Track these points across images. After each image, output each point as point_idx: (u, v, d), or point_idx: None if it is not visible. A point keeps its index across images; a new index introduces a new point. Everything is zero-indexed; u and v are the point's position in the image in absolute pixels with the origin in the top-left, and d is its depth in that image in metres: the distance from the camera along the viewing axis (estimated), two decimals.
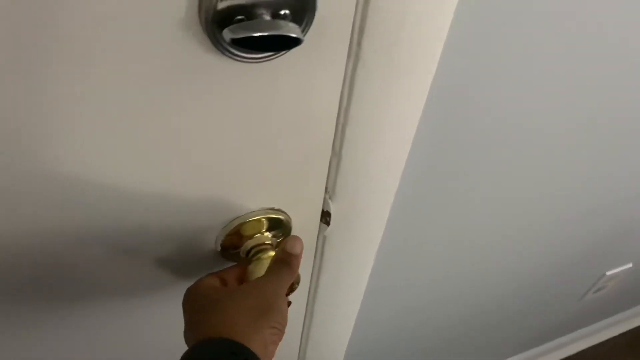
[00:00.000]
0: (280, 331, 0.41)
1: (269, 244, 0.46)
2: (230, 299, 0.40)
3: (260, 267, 0.44)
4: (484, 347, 1.35)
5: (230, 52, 0.31)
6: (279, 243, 0.48)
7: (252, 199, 0.44)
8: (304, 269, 0.57)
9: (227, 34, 0.28)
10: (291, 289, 0.45)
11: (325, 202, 0.49)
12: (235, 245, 0.47)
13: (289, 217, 0.47)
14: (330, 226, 0.51)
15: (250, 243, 0.46)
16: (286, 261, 0.44)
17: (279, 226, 0.47)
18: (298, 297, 0.62)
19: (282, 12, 0.30)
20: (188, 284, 0.44)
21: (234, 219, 0.45)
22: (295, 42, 0.29)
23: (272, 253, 0.45)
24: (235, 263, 0.48)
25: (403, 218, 0.59)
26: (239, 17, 0.29)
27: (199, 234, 0.45)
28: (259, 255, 0.45)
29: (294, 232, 0.49)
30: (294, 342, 0.71)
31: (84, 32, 0.28)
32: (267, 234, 0.47)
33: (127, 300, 0.49)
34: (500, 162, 0.61)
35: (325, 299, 0.62)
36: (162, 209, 0.41)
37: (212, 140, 0.37)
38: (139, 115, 0.33)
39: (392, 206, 0.52)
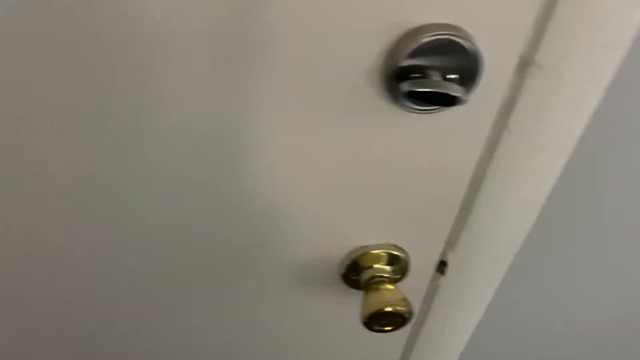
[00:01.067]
0: None
1: (387, 276, 0.51)
2: None
3: (377, 296, 0.48)
4: None
5: (400, 102, 0.37)
6: (395, 279, 0.52)
7: (379, 233, 0.49)
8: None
9: (406, 86, 0.35)
10: (402, 323, 0.49)
11: (444, 252, 0.52)
12: (356, 271, 0.51)
13: (408, 257, 0.51)
14: (444, 276, 0.54)
15: (370, 272, 0.51)
16: None
17: (398, 263, 0.51)
18: (396, 338, 0.65)
19: (452, 75, 0.36)
20: (308, 300, 0.49)
21: (362, 247, 0.50)
22: (459, 101, 0.35)
23: (390, 286, 0.49)
24: (350, 287, 0.53)
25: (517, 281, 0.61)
26: (415, 75, 0.36)
27: (325, 257, 0.51)
28: (377, 285, 0.50)
29: (409, 274, 0.53)
30: None
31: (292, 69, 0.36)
32: (386, 267, 0.51)
33: (254, 310, 0.55)
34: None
35: (422, 350, 0.64)
36: (302, 231, 0.47)
37: (362, 172, 0.43)
38: (316, 142, 0.40)
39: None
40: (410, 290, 0.54)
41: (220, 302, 0.54)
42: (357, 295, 0.53)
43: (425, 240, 0.51)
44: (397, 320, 0.48)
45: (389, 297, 0.48)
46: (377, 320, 0.48)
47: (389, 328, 0.49)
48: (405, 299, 0.48)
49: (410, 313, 0.48)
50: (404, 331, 0.63)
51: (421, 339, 0.63)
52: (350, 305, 0.55)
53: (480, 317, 0.61)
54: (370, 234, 0.49)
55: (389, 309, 0.47)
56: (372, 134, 0.40)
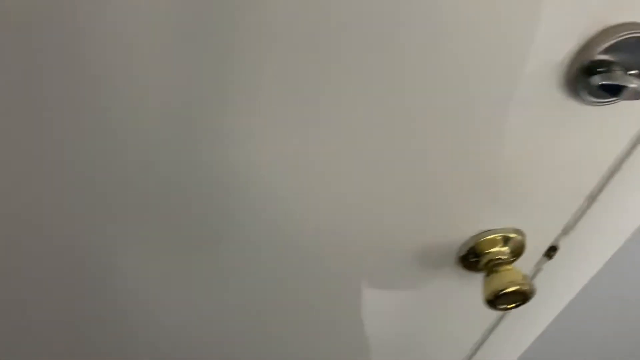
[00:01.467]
0: None
1: (505, 258, 0.53)
2: None
3: (501, 277, 0.51)
4: None
5: (581, 95, 0.39)
6: (511, 261, 0.55)
7: (504, 218, 0.52)
8: None
9: (597, 79, 0.37)
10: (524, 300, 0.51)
11: (557, 237, 0.55)
12: (476, 254, 0.54)
13: (525, 240, 0.54)
14: (550, 261, 0.57)
15: (491, 254, 0.53)
16: None
17: (516, 245, 0.54)
18: (484, 319, 0.68)
19: (633, 71, 0.38)
20: (427, 284, 0.52)
21: (486, 231, 0.52)
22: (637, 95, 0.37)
23: (511, 269, 0.52)
24: (470, 271, 0.55)
25: None
26: (600, 69, 0.38)
27: (448, 240, 0.53)
28: (498, 266, 0.52)
29: (522, 258, 0.56)
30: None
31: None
32: (505, 249, 0.54)
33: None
34: None
35: (505, 328, 0.67)
36: (430, 219, 0.50)
37: (510, 161, 0.46)
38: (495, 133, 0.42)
39: None
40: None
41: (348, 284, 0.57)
42: (470, 278, 0.56)
43: (545, 225, 0.53)
44: (520, 298, 0.51)
45: (512, 277, 0.50)
46: (501, 300, 0.51)
47: (512, 306, 0.52)
48: (527, 278, 0.51)
49: (533, 292, 0.51)
50: (494, 313, 0.66)
51: (506, 319, 0.66)
52: (463, 287, 0.58)
53: (565, 305, 0.64)
54: (496, 218, 0.52)
55: (514, 288, 0.50)
56: (539, 125, 0.42)
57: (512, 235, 0.53)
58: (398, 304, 0.61)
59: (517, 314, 0.65)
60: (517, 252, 0.55)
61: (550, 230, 0.54)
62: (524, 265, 0.57)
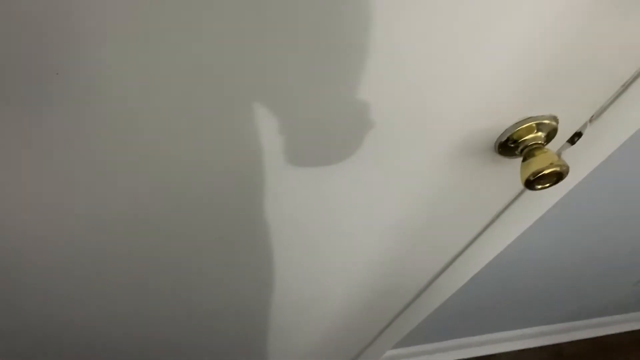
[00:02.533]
0: None
1: (541, 143, 0.59)
2: None
3: (540, 159, 0.56)
4: (525, 314, 1.51)
5: None
6: (543, 145, 0.60)
7: (539, 109, 0.57)
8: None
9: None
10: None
11: (584, 125, 0.61)
12: (515, 140, 0.59)
13: (558, 124, 0.60)
14: (573, 146, 0.63)
15: (529, 139, 0.58)
16: None
17: (550, 131, 0.59)
18: (490, 209, 0.75)
19: None
20: (468, 171, 0.57)
21: (528, 118, 0.57)
22: None
23: (548, 151, 0.58)
24: (505, 156, 0.61)
25: None
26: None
27: (489, 128, 0.58)
28: (536, 150, 0.58)
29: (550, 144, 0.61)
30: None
31: None
32: (539, 134, 0.59)
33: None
34: None
35: (511, 213, 0.75)
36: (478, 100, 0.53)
37: (553, 48, 0.49)
38: None
39: None
40: None
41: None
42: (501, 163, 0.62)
43: (577, 112, 0.59)
44: (554, 178, 0.57)
45: (551, 159, 0.56)
46: (538, 181, 0.57)
47: (547, 185, 0.58)
48: (564, 162, 0.57)
49: (568, 171, 0.57)
50: (512, 194, 0.73)
51: (518, 201, 0.73)
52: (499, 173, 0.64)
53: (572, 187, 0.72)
54: (535, 108, 0.56)
55: (552, 169, 0.55)
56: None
57: (548, 122, 0.58)
58: (429, 184, 0.67)
59: (526, 198, 0.73)
60: (550, 137, 0.60)
61: (580, 117, 0.60)
62: (550, 147, 0.63)
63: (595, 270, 1.32)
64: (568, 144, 0.64)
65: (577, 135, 0.62)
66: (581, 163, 0.67)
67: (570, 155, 0.65)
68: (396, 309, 1.08)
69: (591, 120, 0.60)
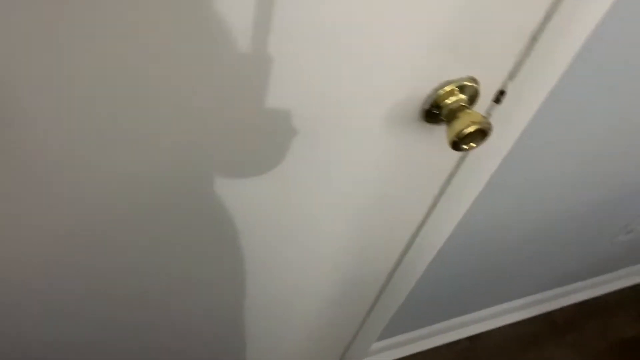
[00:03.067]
0: None
1: (464, 105, 0.59)
2: None
3: (463, 119, 0.57)
4: (517, 279, 1.51)
5: None
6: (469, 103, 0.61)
7: (460, 67, 0.57)
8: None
9: None
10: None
11: (504, 82, 0.62)
12: (438, 105, 0.59)
13: (479, 87, 0.60)
14: (500, 105, 0.64)
15: (452, 102, 0.59)
16: None
17: (472, 93, 0.60)
18: (438, 178, 0.76)
19: None
20: (403, 144, 0.57)
21: (446, 81, 0.58)
22: None
23: (471, 112, 0.58)
24: (431, 123, 0.61)
25: None
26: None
27: (411, 94, 0.58)
28: (460, 111, 0.58)
29: (475, 104, 0.62)
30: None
31: None
32: (462, 96, 0.60)
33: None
34: None
35: (460, 180, 0.76)
36: (393, 70, 0.54)
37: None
38: None
39: None
40: None
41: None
42: (431, 130, 0.62)
43: (494, 70, 0.59)
44: (480, 136, 0.58)
45: (474, 119, 0.57)
46: (464, 140, 0.57)
47: (474, 145, 0.59)
48: (487, 120, 0.57)
49: (491, 128, 0.58)
50: (452, 160, 0.73)
51: (462, 168, 0.74)
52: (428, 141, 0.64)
53: (511, 146, 0.73)
54: (452, 70, 0.57)
55: (475, 127, 0.56)
56: None
57: (468, 83, 0.59)
58: (368, 166, 0.67)
59: (469, 163, 0.73)
60: (473, 99, 0.61)
61: (498, 75, 0.60)
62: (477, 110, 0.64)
63: (568, 232, 1.33)
64: (495, 104, 0.64)
65: (501, 93, 0.63)
66: (513, 120, 0.67)
67: (501, 114, 0.65)
68: (371, 297, 1.07)
69: (511, 77, 0.61)
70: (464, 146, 0.58)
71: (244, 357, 1.16)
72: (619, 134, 0.93)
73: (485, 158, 0.74)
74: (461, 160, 0.73)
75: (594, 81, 0.74)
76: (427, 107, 0.60)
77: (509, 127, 0.68)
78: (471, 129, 0.56)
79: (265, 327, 1.06)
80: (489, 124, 0.57)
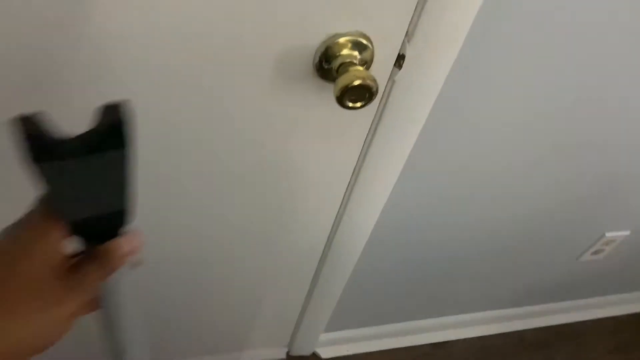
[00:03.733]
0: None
1: (355, 62, 0.59)
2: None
3: (349, 74, 0.57)
4: (485, 291, 1.48)
5: None
6: (363, 65, 0.61)
7: (348, 21, 0.57)
8: (365, 118, 0.70)
9: None
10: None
11: (403, 45, 0.61)
12: (328, 60, 0.60)
13: (373, 47, 0.60)
14: (401, 70, 0.64)
15: (341, 58, 0.59)
16: (103, 260, 0.38)
17: (365, 51, 0.59)
18: (352, 148, 0.75)
19: None
20: (285, 98, 0.57)
21: (333, 34, 0.58)
22: None
23: (359, 68, 0.58)
24: (326, 81, 0.61)
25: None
26: None
27: (300, 47, 0.58)
28: (348, 66, 0.58)
29: (373, 66, 0.62)
30: (336, 200, 0.84)
31: None
32: (354, 53, 0.59)
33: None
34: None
35: (377, 151, 0.75)
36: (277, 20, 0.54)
37: None
38: None
39: None
40: None
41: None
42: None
43: (390, 31, 0.59)
44: (366, 95, 0.58)
45: (359, 74, 0.57)
46: (348, 95, 0.57)
47: (360, 104, 0.58)
48: (373, 77, 0.57)
49: (377, 88, 0.57)
50: (359, 138, 0.73)
51: (376, 140, 0.73)
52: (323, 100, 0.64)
53: (427, 114, 0.72)
54: (340, 22, 0.57)
55: (358, 82, 0.56)
56: None
57: (360, 39, 0.59)
58: (266, 131, 0.67)
59: (384, 131, 0.73)
60: (367, 58, 0.61)
61: (395, 36, 0.60)
62: (378, 77, 0.64)
63: (533, 247, 1.29)
64: (397, 69, 0.64)
65: (402, 58, 0.63)
66: (418, 87, 0.67)
67: (405, 81, 0.65)
68: (308, 275, 1.07)
69: (409, 39, 0.61)
70: (349, 102, 0.58)
71: (190, 345, 1.17)
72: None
73: (400, 130, 0.73)
74: (375, 127, 0.72)
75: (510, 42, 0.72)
76: (317, 60, 0.60)
77: (415, 94, 0.68)
78: (355, 83, 0.56)
79: (206, 309, 1.07)
80: (373, 80, 0.56)
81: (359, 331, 1.46)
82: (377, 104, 0.69)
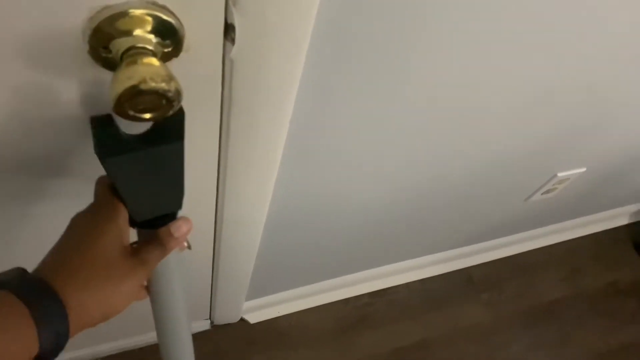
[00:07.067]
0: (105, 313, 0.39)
1: (151, 49, 0.38)
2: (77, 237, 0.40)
3: (129, 71, 0.36)
4: (423, 240, 1.35)
5: None
6: (166, 55, 0.39)
7: None
8: (210, 110, 0.50)
9: None
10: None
11: (228, 10, 0.40)
12: (107, 44, 0.38)
13: (179, 22, 0.38)
14: (236, 45, 0.42)
15: (126, 42, 0.37)
16: (163, 242, 0.43)
17: (166, 31, 0.38)
18: (207, 147, 0.56)
19: None
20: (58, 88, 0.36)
21: (107, 7, 0.36)
22: None
23: (153, 60, 0.37)
24: (104, 68, 0.40)
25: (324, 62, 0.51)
26: None
27: (63, 28, 0.37)
28: (134, 58, 0.37)
29: (188, 49, 0.40)
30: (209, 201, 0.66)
31: None
32: (149, 36, 0.38)
33: None
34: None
35: (240, 143, 0.55)
36: None
37: None
38: None
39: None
40: (197, 72, 0.43)
41: None
42: None
43: None
44: (160, 102, 0.37)
45: (145, 70, 0.36)
46: (131, 104, 0.36)
47: (149, 115, 0.38)
48: (167, 73, 0.36)
49: (176, 91, 0.37)
50: (212, 137, 0.53)
51: (234, 133, 0.53)
52: None
53: (294, 93, 0.51)
54: None
55: (143, 86, 0.35)
56: None
57: (156, 13, 0.37)
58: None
59: (241, 145, 0.53)
60: (175, 42, 0.39)
61: (211, 3, 0.38)
62: (203, 59, 0.43)
63: (483, 192, 1.14)
64: (230, 45, 0.43)
65: (232, 28, 0.41)
66: (266, 65, 0.46)
67: (244, 60, 0.44)
68: (206, 252, 0.90)
69: (234, 3, 0.39)
70: (131, 112, 0.37)
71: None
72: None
73: (264, 120, 0.53)
74: (227, 137, 0.52)
75: None
76: (87, 46, 0.38)
77: (260, 81, 0.47)
78: (135, 85, 0.35)
79: None
80: (165, 81, 0.36)
81: (288, 292, 1.33)
82: (220, 97, 0.48)
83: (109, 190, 0.42)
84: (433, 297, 1.53)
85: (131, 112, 0.37)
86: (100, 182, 0.44)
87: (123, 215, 0.41)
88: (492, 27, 0.57)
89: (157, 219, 0.44)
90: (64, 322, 0.35)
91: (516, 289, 1.61)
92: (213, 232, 0.79)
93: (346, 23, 0.48)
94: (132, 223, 0.44)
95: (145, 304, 0.51)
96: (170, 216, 0.45)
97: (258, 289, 1.22)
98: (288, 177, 0.71)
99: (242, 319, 1.33)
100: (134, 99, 0.36)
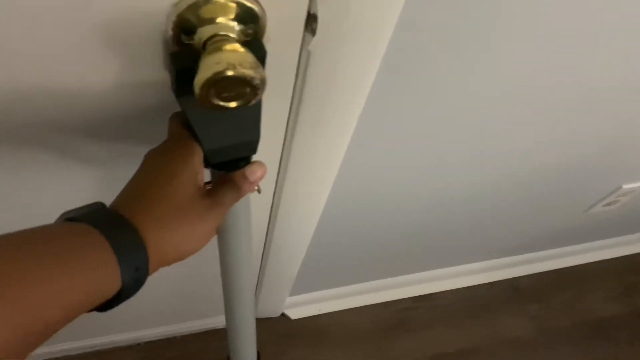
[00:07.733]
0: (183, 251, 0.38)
1: (233, 36, 0.37)
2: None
3: (216, 57, 0.35)
4: (474, 245, 1.31)
5: None
6: (247, 42, 0.39)
7: None
8: (282, 98, 0.49)
9: None
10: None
11: (311, 2, 0.39)
12: (190, 31, 0.38)
13: (262, 9, 0.38)
14: (316, 36, 0.41)
15: (209, 29, 0.37)
16: (238, 185, 0.43)
17: (249, 17, 0.38)
18: (272, 144, 0.55)
19: None
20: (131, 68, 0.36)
21: None
22: None
23: (237, 46, 0.36)
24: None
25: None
26: None
27: (142, 15, 0.36)
28: (218, 44, 0.36)
29: (268, 37, 0.40)
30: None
31: None
32: (232, 23, 0.37)
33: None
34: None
35: (306, 135, 0.54)
36: None
37: None
38: None
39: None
40: (274, 62, 0.42)
41: None
42: None
43: None
44: (244, 90, 0.36)
45: (232, 57, 0.35)
46: (216, 91, 0.36)
47: (235, 103, 0.37)
48: (254, 60, 0.35)
49: (262, 80, 0.36)
50: (279, 130, 0.52)
51: (300, 126, 0.52)
52: None
53: (367, 90, 0.50)
54: None
55: (230, 72, 0.34)
56: None
57: (239, 0, 0.36)
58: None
59: (311, 121, 0.52)
60: (256, 29, 0.39)
61: None
62: (280, 49, 0.42)
63: (540, 200, 1.10)
64: (310, 36, 0.42)
65: (313, 19, 0.40)
66: (344, 59, 0.45)
67: (322, 50, 0.43)
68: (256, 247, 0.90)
69: None
70: (216, 100, 0.37)
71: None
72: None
73: (332, 115, 0.52)
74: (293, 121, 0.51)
75: None
76: (169, 34, 0.38)
77: (338, 67, 0.46)
78: (222, 72, 0.34)
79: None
80: (254, 69, 0.35)
81: (332, 291, 1.32)
82: (292, 88, 0.47)
83: (184, 129, 0.41)
84: (477, 305, 1.49)
85: (215, 101, 0.36)
86: (174, 119, 0.43)
87: (198, 155, 0.40)
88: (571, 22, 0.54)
89: (231, 161, 0.44)
90: (144, 256, 0.34)
91: (565, 303, 1.55)
92: (266, 225, 0.79)
93: (421, 17, 0.47)
94: (206, 164, 0.43)
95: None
96: (245, 160, 0.45)
97: (301, 286, 1.22)
98: (347, 173, 0.70)
99: (283, 314, 1.33)
100: (219, 85, 0.35)
